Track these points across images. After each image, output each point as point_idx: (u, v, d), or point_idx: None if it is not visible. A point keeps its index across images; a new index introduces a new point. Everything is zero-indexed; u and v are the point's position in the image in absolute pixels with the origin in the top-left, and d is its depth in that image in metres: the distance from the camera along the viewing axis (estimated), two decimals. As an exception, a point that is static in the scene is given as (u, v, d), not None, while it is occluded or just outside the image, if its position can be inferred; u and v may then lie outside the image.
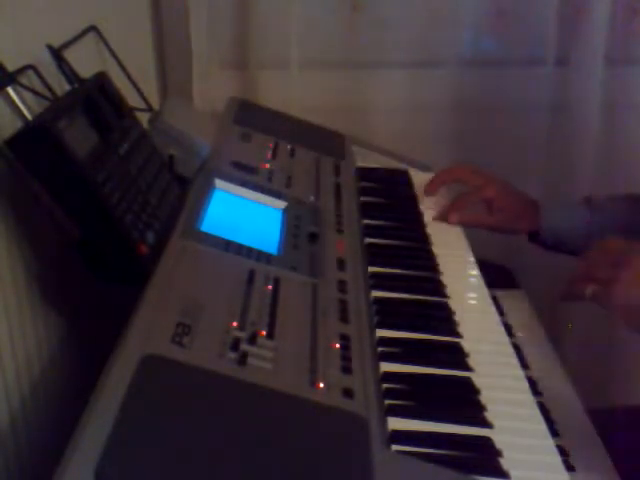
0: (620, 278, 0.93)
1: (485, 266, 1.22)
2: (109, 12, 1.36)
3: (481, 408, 0.88)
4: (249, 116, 1.50)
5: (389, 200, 1.40)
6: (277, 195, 1.20)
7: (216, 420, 0.70)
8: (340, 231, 1.18)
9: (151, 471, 0.63)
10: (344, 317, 0.95)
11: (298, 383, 0.79)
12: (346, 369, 0.84)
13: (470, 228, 1.35)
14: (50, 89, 1.03)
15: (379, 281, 1.10)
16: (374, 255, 1.18)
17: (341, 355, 0.86)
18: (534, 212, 1.39)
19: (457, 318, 1.05)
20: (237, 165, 1.25)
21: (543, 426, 0.89)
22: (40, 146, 0.88)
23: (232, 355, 0.79)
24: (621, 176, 1.76)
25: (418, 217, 1.34)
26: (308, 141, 1.46)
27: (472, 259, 1.24)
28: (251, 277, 0.95)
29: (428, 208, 1.38)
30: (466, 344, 0.99)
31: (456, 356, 0.97)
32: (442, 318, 1.05)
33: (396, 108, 1.77)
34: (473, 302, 1.13)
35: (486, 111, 1.77)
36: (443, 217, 1.34)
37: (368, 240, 1.22)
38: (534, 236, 1.41)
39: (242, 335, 0.83)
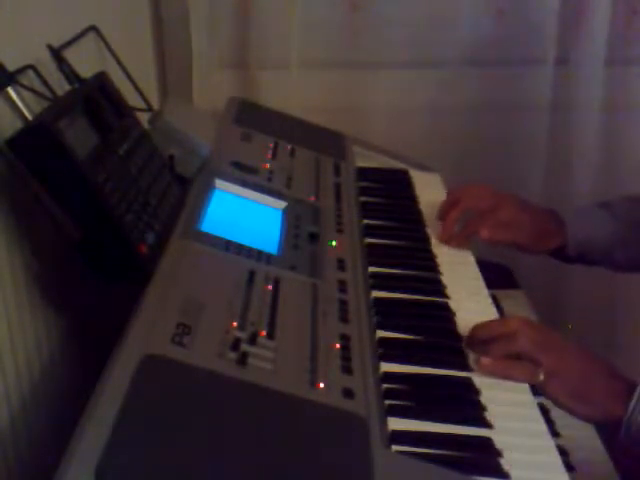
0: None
1: (485, 266, 1.22)
2: (109, 12, 1.36)
3: (481, 408, 0.88)
4: (249, 116, 1.50)
5: (389, 200, 1.40)
6: (277, 195, 1.20)
7: (216, 420, 0.70)
8: (340, 231, 1.18)
9: (151, 471, 0.63)
10: (344, 317, 0.95)
11: (298, 383, 0.79)
12: (346, 369, 0.84)
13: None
14: (50, 89, 1.03)
15: (379, 281, 1.10)
16: (374, 255, 1.18)
17: (341, 355, 0.87)
18: (558, 226, 1.29)
19: (457, 318, 1.05)
20: (237, 165, 1.25)
21: (543, 426, 0.89)
22: (40, 146, 0.88)
23: (232, 355, 0.79)
24: (621, 176, 1.76)
25: (418, 217, 1.34)
26: (308, 141, 1.46)
27: (472, 259, 1.24)
28: (251, 277, 0.95)
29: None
30: (466, 344, 0.99)
31: (456, 356, 0.97)
32: (442, 318, 1.05)
33: (396, 108, 1.76)
34: (473, 302, 1.13)
35: (486, 111, 1.77)
36: (453, 243, 1.25)
37: (368, 240, 1.22)
38: (557, 251, 1.30)
39: (242, 335, 0.82)
